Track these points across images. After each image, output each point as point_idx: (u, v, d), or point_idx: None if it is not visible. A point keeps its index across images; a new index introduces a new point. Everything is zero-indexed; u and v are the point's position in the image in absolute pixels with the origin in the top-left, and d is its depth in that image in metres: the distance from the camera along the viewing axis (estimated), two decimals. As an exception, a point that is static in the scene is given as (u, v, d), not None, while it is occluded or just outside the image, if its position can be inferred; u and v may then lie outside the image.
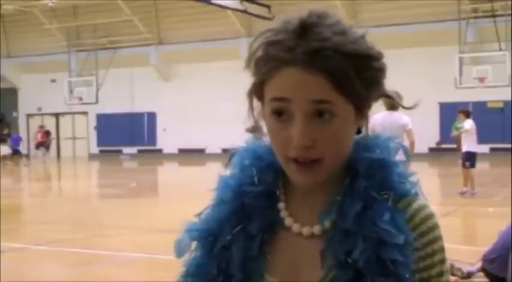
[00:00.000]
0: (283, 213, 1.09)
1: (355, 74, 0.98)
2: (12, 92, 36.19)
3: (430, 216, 1.05)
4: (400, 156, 1.11)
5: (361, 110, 1.03)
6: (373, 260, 0.99)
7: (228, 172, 1.14)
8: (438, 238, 1.05)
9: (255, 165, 1.11)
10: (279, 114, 1.00)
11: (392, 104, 8.31)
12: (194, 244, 1.13)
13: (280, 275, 1.07)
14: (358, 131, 1.07)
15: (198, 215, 1.14)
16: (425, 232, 1.04)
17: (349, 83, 0.98)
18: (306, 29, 0.99)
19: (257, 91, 1.04)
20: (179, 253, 1.12)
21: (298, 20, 1.00)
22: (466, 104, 25.59)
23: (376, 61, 1.03)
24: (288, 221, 1.09)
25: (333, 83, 0.97)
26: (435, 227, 1.05)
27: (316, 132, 0.99)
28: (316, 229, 1.06)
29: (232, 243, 1.07)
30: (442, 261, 1.06)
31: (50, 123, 34.28)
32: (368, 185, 1.03)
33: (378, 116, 8.03)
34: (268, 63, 1.00)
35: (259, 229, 1.08)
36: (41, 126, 32.43)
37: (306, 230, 1.07)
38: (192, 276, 1.12)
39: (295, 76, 0.98)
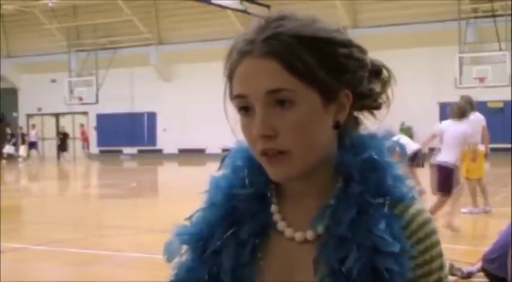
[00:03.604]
0: (276, 217, 1.06)
1: (313, 58, 0.97)
2: (12, 92, 36.19)
3: (428, 221, 1.02)
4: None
5: (330, 99, 0.99)
6: (367, 269, 0.96)
7: (220, 173, 1.11)
8: (436, 244, 1.02)
9: (246, 166, 1.08)
10: (246, 110, 1.00)
11: (462, 113, 9.47)
12: (184, 248, 1.10)
13: (271, 281, 1.04)
14: (337, 125, 1.02)
15: (189, 218, 1.11)
16: (423, 239, 1.01)
17: (304, 66, 0.96)
18: (269, 22, 1.00)
19: (230, 91, 1.04)
20: (169, 257, 1.10)
21: (265, 17, 1.02)
22: (466, 104, 25.61)
23: (342, 47, 1.00)
24: (280, 225, 1.05)
25: (286, 67, 0.96)
26: (432, 232, 1.02)
27: (276, 121, 0.97)
28: (309, 234, 1.03)
29: (223, 248, 1.05)
30: (441, 267, 1.03)
31: (50, 123, 34.29)
32: (363, 190, 1.00)
33: (445, 124, 9.75)
34: (231, 58, 1.02)
35: (251, 234, 1.04)
36: (82, 125, 32.79)
37: (298, 235, 1.03)
38: (182, 280, 1.09)
39: (251, 65, 0.98)
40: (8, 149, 30.74)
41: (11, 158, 30.22)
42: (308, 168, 1.01)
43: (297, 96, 0.97)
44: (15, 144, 31.39)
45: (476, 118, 10.34)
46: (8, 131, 32.86)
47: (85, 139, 32.86)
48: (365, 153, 1.02)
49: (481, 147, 10.47)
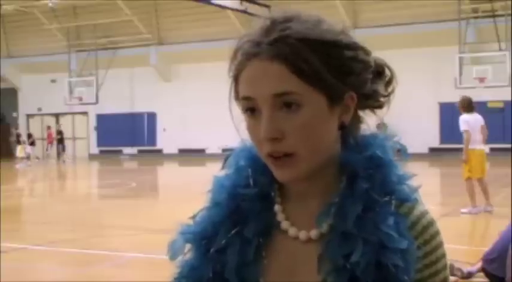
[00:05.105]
0: (280, 217, 1.07)
1: (320, 61, 0.98)
2: (12, 92, 36.20)
3: (432, 222, 1.04)
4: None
5: (336, 101, 1.00)
6: (372, 265, 0.97)
7: (223, 172, 1.12)
8: (440, 245, 1.04)
9: (250, 166, 1.09)
10: (252, 111, 1.00)
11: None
12: (188, 246, 1.10)
13: (275, 280, 1.05)
14: (342, 126, 1.04)
15: (193, 217, 1.12)
16: (428, 240, 1.03)
17: (311, 69, 0.97)
18: (275, 24, 1.00)
19: (235, 92, 1.04)
20: (173, 255, 1.10)
21: (269, 18, 1.02)
22: (466, 104, 25.61)
23: (348, 50, 1.01)
24: (284, 225, 1.06)
25: (294, 70, 0.96)
26: (436, 233, 1.04)
27: (283, 123, 0.97)
28: (313, 233, 1.03)
29: (228, 247, 1.05)
30: (445, 266, 1.05)
31: (49, 124, 34.30)
32: (368, 187, 1.01)
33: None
34: (237, 60, 1.02)
35: (255, 233, 1.05)
36: (49, 127, 33.30)
37: (302, 234, 1.04)
38: (186, 278, 1.09)
39: (258, 68, 0.98)
40: (29, 149, 30.93)
41: (29, 158, 30.45)
42: (313, 168, 1.01)
43: (303, 99, 0.97)
44: (32, 144, 31.53)
45: (475, 118, 10.37)
46: (14, 131, 32.89)
47: (50, 141, 32.93)
48: (369, 152, 1.03)
49: (484, 147, 10.49)
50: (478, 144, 10.28)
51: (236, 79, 1.02)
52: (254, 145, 1.03)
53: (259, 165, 1.07)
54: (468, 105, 10.29)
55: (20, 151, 30.40)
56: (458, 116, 10.46)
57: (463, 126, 10.18)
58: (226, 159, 1.13)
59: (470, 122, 10.16)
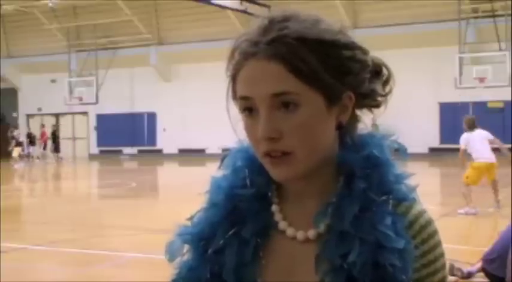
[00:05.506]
0: (277, 217, 1.07)
1: (318, 61, 0.97)
2: (12, 92, 36.19)
3: (429, 222, 1.04)
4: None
5: (333, 101, 1.00)
6: (369, 264, 0.97)
7: (220, 173, 1.12)
8: (438, 244, 1.04)
9: (247, 167, 1.09)
10: (250, 110, 1.00)
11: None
12: (186, 247, 1.10)
13: (273, 280, 1.04)
14: (340, 126, 1.03)
15: (190, 218, 1.12)
16: (426, 239, 1.02)
17: (308, 69, 0.97)
18: (273, 23, 1.00)
19: (233, 92, 1.04)
20: (171, 256, 1.10)
21: (267, 17, 1.02)
22: (466, 104, 25.64)
23: (346, 50, 1.01)
24: (282, 225, 1.06)
25: (291, 70, 0.96)
26: (434, 233, 1.04)
27: (281, 123, 0.97)
28: (311, 233, 1.03)
29: (226, 248, 1.05)
30: (443, 266, 1.05)
31: (50, 124, 34.32)
32: (366, 186, 1.01)
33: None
34: (235, 59, 1.01)
35: (253, 233, 1.05)
36: (43, 125, 33.41)
37: (300, 234, 1.04)
38: (184, 279, 1.09)
39: (256, 68, 0.98)
40: (30, 149, 31.03)
41: (29, 157, 30.53)
42: (311, 168, 1.01)
43: (301, 99, 0.97)
44: (31, 143, 31.57)
45: (479, 135, 10.79)
46: (15, 132, 32.91)
47: (44, 141, 32.99)
48: (366, 151, 1.03)
49: (491, 159, 10.91)
50: (481, 156, 10.67)
51: (234, 79, 1.02)
52: (251, 145, 1.03)
53: (256, 166, 1.06)
54: (470, 124, 10.79)
55: (15, 151, 30.45)
56: (459, 116, 10.88)
57: (460, 143, 10.83)
58: (223, 160, 1.13)
59: (470, 139, 10.65)
